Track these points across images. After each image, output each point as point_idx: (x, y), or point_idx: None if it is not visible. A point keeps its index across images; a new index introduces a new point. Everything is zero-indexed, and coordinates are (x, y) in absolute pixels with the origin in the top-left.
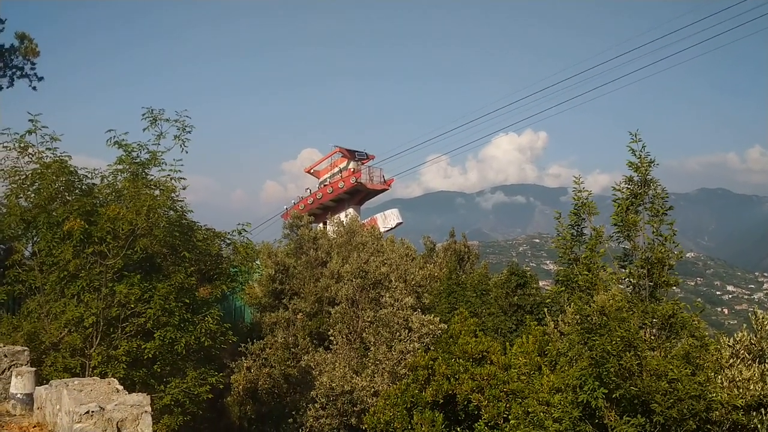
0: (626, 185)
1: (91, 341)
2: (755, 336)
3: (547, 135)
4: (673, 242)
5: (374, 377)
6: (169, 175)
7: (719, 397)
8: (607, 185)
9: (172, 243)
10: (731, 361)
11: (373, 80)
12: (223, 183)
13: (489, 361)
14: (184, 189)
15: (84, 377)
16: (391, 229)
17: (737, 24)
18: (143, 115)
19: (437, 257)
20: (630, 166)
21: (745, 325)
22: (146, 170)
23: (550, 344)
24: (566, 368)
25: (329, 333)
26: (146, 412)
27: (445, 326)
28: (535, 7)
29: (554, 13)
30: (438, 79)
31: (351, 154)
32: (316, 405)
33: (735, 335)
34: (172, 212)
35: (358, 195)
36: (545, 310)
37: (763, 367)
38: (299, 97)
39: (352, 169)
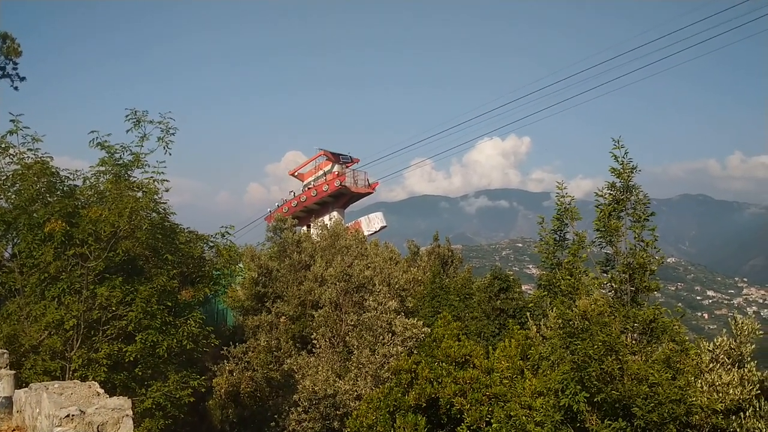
0: (609, 191)
1: (72, 344)
2: (735, 341)
3: (530, 140)
4: (655, 248)
5: (357, 381)
6: (152, 177)
7: (699, 401)
8: (590, 190)
9: (155, 245)
10: (711, 365)
11: (358, 84)
12: (209, 185)
13: (472, 365)
14: (167, 191)
15: (64, 380)
16: (375, 232)
17: (720, 32)
18: (127, 116)
19: (421, 261)
20: (612, 172)
21: (724, 330)
22: (129, 172)
23: (532, 348)
24: (548, 372)
25: (312, 336)
26: (127, 415)
27: (429, 330)
28: (522, 13)
29: (541, 19)
30: (423, 84)
31: (335, 157)
32: (298, 409)
33: (715, 340)
34: (154, 214)
35: (343, 198)
36: (528, 314)
37: (742, 372)
38: (284, 100)
39: (336, 172)
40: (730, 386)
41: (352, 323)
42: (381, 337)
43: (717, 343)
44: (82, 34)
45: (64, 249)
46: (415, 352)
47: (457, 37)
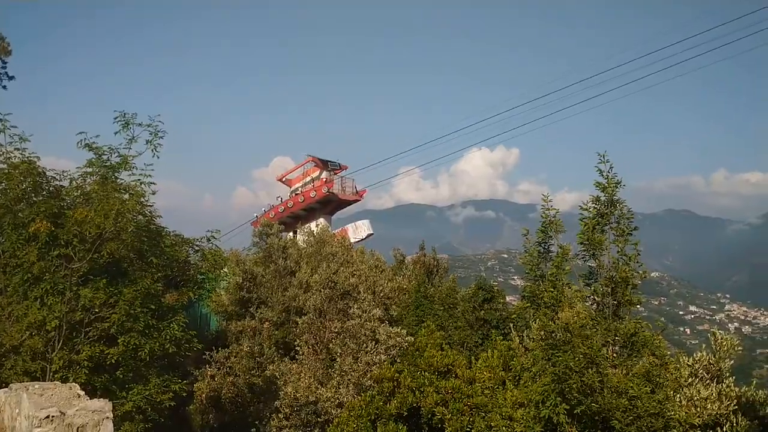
0: (593, 205)
1: (53, 345)
2: (714, 356)
3: (519, 152)
4: (638, 262)
5: (339, 388)
6: (139, 179)
7: (677, 415)
8: (576, 203)
9: (140, 248)
10: (690, 380)
11: (348, 91)
12: (195, 188)
13: (454, 375)
14: (153, 194)
15: (45, 381)
16: (362, 240)
17: (707, 50)
18: (116, 118)
19: (406, 270)
20: (597, 186)
21: (704, 345)
22: (116, 174)
23: (514, 359)
24: (530, 383)
25: (295, 343)
26: (107, 418)
27: (412, 339)
28: (517, 23)
29: (533, 32)
30: (414, 91)
31: (324, 164)
32: (279, 415)
33: (694, 355)
34: (140, 217)
35: (330, 205)
36: (511, 325)
37: (720, 387)
38: (272, 104)
39: (324, 179)
40: (708, 401)
41: (336, 330)
42: (364, 345)
43: (696, 358)
44: (75, 44)
45: (49, 249)
46: (398, 360)
47: (452, 42)
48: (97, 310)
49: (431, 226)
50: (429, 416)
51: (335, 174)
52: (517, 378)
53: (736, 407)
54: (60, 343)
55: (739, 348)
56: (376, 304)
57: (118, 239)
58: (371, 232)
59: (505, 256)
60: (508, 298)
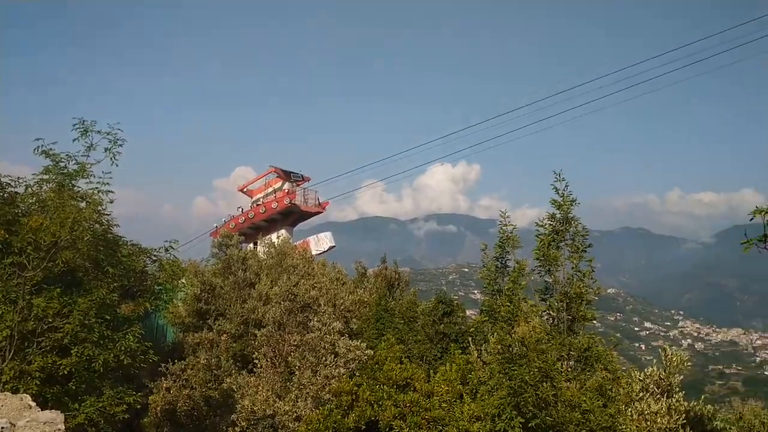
0: (549, 222)
1: (4, 355)
2: (664, 371)
3: (480, 168)
4: (592, 278)
5: (297, 402)
6: (96, 187)
7: (629, 428)
8: (536, 219)
9: (96, 257)
10: (641, 394)
11: (313, 101)
12: (153, 196)
13: (413, 388)
14: (111, 203)
15: None
16: (324, 252)
17: (668, 71)
18: (74, 125)
19: (368, 283)
20: (553, 204)
21: (655, 361)
22: (73, 181)
23: (472, 373)
24: (486, 397)
25: (254, 356)
26: (59, 429)
27: (372, 352)
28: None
29: (501, 50)
30: (380, 101)
31: (286, 175)
32: (236, 429)
33: (645, 370)
34: (97, 225)
35: (292, 216)
36: (470, 339)
37: (670, 401)
38: (234, 114)
39: (286, 190)
40: (659, 415)
41: (295, 343)
42: (324, 358)
43: (647, 373)
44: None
45: (2, 257)
46: (357, 374)
47: (417, 60)
48: (50, 320)
49: (394, 239)
50: (387, 430)
51: (298, 185)
52: (475, 391)
53: (685, 421)
54: (11, 354)
55: (689, 363)
56: (337, 317)
57: (73, 248)
58: (333, 244)
59: (466, 270)
60: (468, 312)
